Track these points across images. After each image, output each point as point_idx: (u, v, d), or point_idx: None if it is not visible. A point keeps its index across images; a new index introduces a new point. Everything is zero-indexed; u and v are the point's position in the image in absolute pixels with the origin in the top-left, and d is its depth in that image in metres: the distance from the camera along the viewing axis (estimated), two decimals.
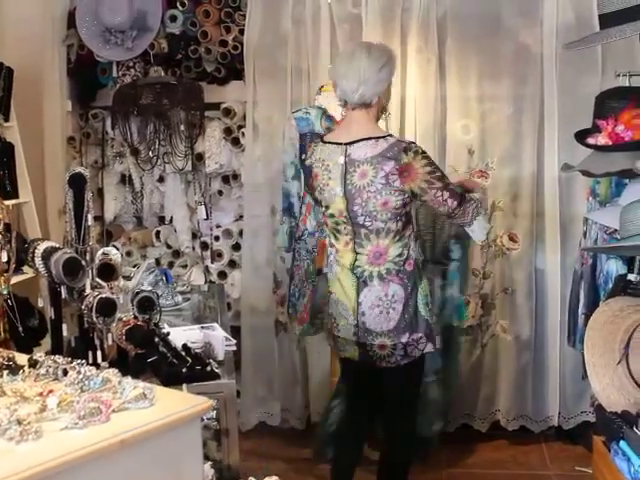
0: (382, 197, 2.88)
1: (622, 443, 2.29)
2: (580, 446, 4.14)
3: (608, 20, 2.75)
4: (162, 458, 1.57)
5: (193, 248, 4.64)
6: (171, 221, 4.68)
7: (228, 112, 4.45)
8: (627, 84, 3.44)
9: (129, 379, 1.70)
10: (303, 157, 3.31)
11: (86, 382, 1.69)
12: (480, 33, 4.16)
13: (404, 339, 2.98)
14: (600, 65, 4.06)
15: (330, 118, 3.74)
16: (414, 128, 4.21)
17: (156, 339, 2.42)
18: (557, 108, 4.09)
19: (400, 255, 2.96)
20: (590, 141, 2.89)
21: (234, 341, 2.76)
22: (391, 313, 2.97)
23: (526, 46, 4.17)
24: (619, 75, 3.57)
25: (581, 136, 3.02)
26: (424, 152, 2.92)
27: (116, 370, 1.75)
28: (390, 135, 2.98)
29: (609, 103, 2.84)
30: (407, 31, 4.21)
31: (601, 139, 2.83)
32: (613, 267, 3.33)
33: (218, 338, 2.59)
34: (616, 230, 3.00)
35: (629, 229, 2.64)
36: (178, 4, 4.42)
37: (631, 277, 2.92)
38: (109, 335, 2.35)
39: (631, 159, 2.71)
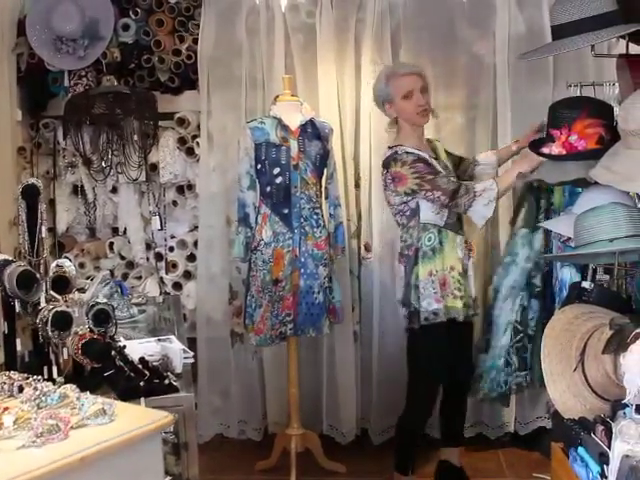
0: (386, 197, 3.57)
1: (580, 449, 2.31)
2: (536, 452, 4.17)
3: (561, 31, 2.78)
4: (123, 475, 1.54)
5: (147, 259, 4.59)
6: (125, 232, 4.62)
7: (182, 122, 4.41)
8: (578, 94, 3.51)
9: (88, 395, 1.67)
10: None
11: (43, 398, 1.65)
12: (433, 44, 4.21)
13: (403, 312, 3.54)
14: (552, 75, 4.15)
15: (285, 128, 3.74)
16: (369, 138, 4.24)
17: (113, 352, 2.38)
18: (510, 117, 4.15)
19: (404, 241, 3.50)
20: (544, 150, 2.92)
21: (192, 353, 2.73)
22: (397, 288, 3.58)
23: (479, 57, 4.23)
24: (570, 85, 3.65)
25: (536, 145, 3.05)
26: (411, 161, 3.39)
27: (74, 386, 1.71)
28: (398, 145, 3.48)
29: (562, 113, 2.87)
30: (361, 42, 4.24)
31: (555, 148, 2.85)
32: (567, 275, 3.38)
33: (175, 350, 2.55)
34: (570, 238, 3.04)
35: (584, 237, 2.67)
36: (131, 13, 4.39)
37: (585, 284, 2.95)
38: (64, 349, 2.30)
39: (585, 168, 2.74)
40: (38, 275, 2.32)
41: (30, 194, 2.48)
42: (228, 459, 4.28)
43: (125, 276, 4.59)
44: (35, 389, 1.69)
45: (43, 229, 2.39)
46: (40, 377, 1.76)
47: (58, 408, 1.62)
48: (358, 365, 4.38)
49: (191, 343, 4.35)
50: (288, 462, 3.92)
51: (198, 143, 4.39)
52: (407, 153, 3.43)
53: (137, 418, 1.63)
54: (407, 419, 3.69)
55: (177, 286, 4.55)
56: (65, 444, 1.50)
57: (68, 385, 1.72)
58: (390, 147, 3.56)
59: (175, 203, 4.56)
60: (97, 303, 2.63)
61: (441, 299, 3.43)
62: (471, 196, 3.38)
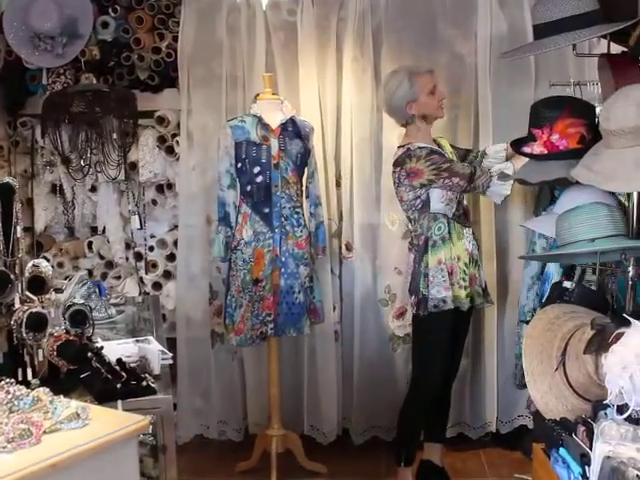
0: (398, 194, 3.60)
1: (562, 450, 2.29)
2: (518, 452, 4.17)
3: (542, 31, 2.77)
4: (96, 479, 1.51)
5: (127, 259, 4.56)
6: (104, 231, 4.59)
7: (162, 120, 4.38)
8: (560, 94, 3.50)
9: (61, 398, 1.63)
10: None
11: (15, 402, 1.61)
12: (415, 43, 4.18)
13: (411, 299, 3.58)
14: (533, 75, 4.14)
15: (266, 126, 3.72)
16: (350, 137, 4.22)
17: (89, 354, 2.34)
18: (491, 117, 4.13)
19: (415, 231, 3.57)
20: (526, 150, 2.91)
21: (170, 354, 2.69)
22: (408, 274, 3.61)
23: (460, 56, 4.21)
24: (553, 85, 3.65)
25: (517, 145, 3.05)
26: (425, 154, 3.44)
27: (47, 389, 1.67)
28: (409, 143, 3.53)
29: (544, 112, 2.86)
30: (342, 40, 4.22)
31: (537, 148, 2.85)
32: (553, 269, 3.39)
33: (154, 352, 2.52)
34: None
35: (565, 237, 2.67)
36: (110, 10, 4.36)
37: (567, 284, 2.94)
38: (40, 351, 2.26)
39: (566, 168, 2.73)
40: (12, 276, 2.28)
41: (5, 193, 2.43)
42: (208, 460, 4.26)
43: (104, 276, 4.55)
44: (7, 392, 1.65)
45: (18, 229, 2.35)
46: (13, 380, 1.71)
47: (31, 412, 1.59)
48: (339, 365, 4.35)
49: (171, 343, 4.34)
50: (269, 463, 3.89)
51: (178, 142, 4.36)
52: (420, 148, 3.48)
53: (112, 422, 1.59)
54: (411, 408, 3.71)
55: (157, 286, 4.51)
56: (37, 449, 1.46)
57: (41, 388, 1.68)
58: (400, 146, 3.59)
59: (155, 202, 4.52)
60: (74, 304, 2.60)
61: (449, 287, 3.48)
62: (488, 176, 3.45)
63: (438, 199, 3.51)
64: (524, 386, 3.61)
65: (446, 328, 3.55)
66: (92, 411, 1.60)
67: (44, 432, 1.51)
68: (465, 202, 3.70)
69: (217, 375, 4.41)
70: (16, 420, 1.50)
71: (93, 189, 4.55)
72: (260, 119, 3.72)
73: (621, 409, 2.18)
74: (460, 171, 3.46)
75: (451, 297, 3.48)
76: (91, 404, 1.69)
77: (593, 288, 3.04)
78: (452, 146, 3.77)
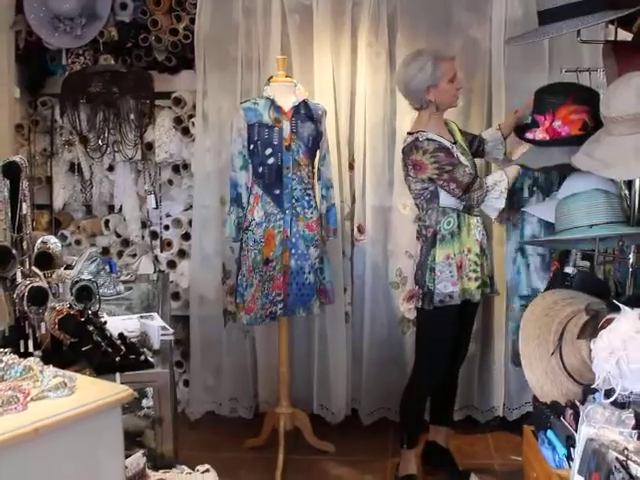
0: (407, 183, 3.58)
1: (549, 432, 2.34)
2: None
3: (547, 17, 2.79)
4: (79, 447, 1.57)
5: (142, 237, 4.63)
6: (120, 210, 4.66)
7: (178, 101, 4.44)
8: (575, 80, 3.49)
9: (51, 368, 1.69)
10: None
11: (7, 371, 1.68)
12: (430, 28, 4.19)
13: (416, 289, 3.57)
14: (547, 60, 4.13)
15: (278, 109, 3.75)
16: (364, 121, 4.24)
17: (91, 328, 2.42)
18: (504, 102, 4.14)
19: (423, 222, 3.56)
20: (529, 136, 2.93)
21: (171, 330, 2.76)
22: (415, 263, 3.60)
23: (475, 41, 4.22)
24: (566, 71, 3.64)
25: (521, 131, 3.06)
26: (433, 149, 3.40)
27: (38, 359, 1.74)
28: (420, 132, 3.47)
29: (547, 99, 2.88)
30: (357, 25, 4.24)
31: (539, 134, 2.87)
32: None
33: (154, 327, 2.58)
34: None
35: (563, 223, 2.69)
36: None
37: (568, 270, 2.97)
38: (42, 324, 2.33)
39: (568, 154, 2.75)
40: (15, 251, 2.35)
41: (13, 171, 2.50)
42: (219, 436, 4.32)
43: (120, 254, 4.62)
44: (0, 361, 1.72)
45: (24, 206, 2.41)
46: (7, 350, 1.78)
47: (22, 380, 1.65)
48: (349, 346, 4.41)
49: (184, 321, 4.43)
50: (277, 440, 3.95)
51: (193, 123, 4.41)
52: (428, 140, 3.44)
53: (97, 391, 1.65)
54: (411, 395, 3.74)
55: (171, 264, 4.59)
56: (22, 415, 1.53)
57: (32, 358, 1.75)
58: (410, 133, 3.56)
59: (170, 182, 4.59)
60: (80, 280, 2.67)
61: (457, 282, 3.47)
62: (484, 191, 3.41)
63: (448, 194, 3.48)
64: (517, 363, 3.68)
65: (449, 323, 3.54)
66: (79, 381, 1.66)
67: (31, 399, 1.58)
68: None
69: (229, 353, 4.49)
70: (4, 387, 1.56)
71: (110, 168, 4.62)
72: (273, 101, 3.75)
73: (608, 393, 2.21)
74: (459, 179, 3.40)
75: (459, 292, 3.47)
76: (81, 375, 1.75)
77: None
78: (461, 131, 3.75)
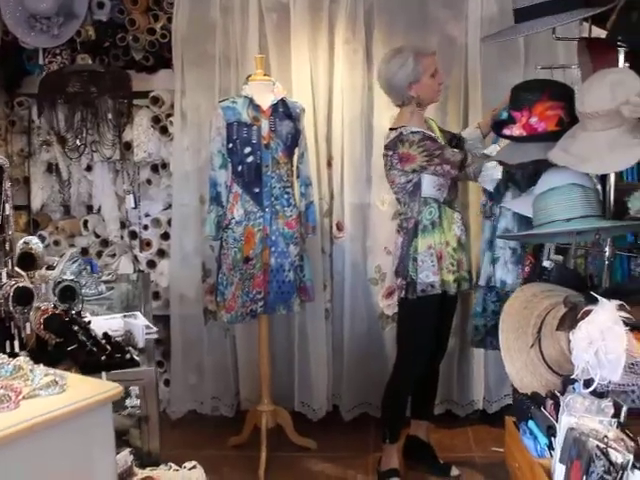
0: (390, 178, 3.59)
1: (530, 423, 2.38)
2: (504, 429, 4.25)
3: (523, 14, 2.83)
4: (72, 443, 1.59)
5: (122, 237, 4.63)
6: (99, 210, 4.66)
7: (156, 100, 4.44)
8: (549, 77, 3.54)
9: (41, 366, 1.71)
10: None
11: None
12: (406, 25, 4.22)
13: (397, 282, 3.60)
14: (522, 57, 4.18)
15: (257, 107, 3.77)
16: (341, 118, 4.27)
17: (76, 328, 2.42)
18: (481, 98, 4.19)
19: (405, 214, 3.60)
20: (506, 132, 2.96)
21: (155, 329, 2.77)
22: (394, 259, 3.66)
23: (451, 38, 4.26)
24: (541, 68, 3.69)
25: (499, 127, 3.10)
26: (418, 140, 3.43)
27: (27, 358, 1.75)
28: (402, 126, 3.51)
29: (524, 95, 2.91)
30: (335, 22, 4.26)
31: (516, 130, 2.90)
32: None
33: (139, 326, 2.59)
34: None
35: (541, 217, 2.73)
36: None
37: (545, 264, 3.01)
38: (27, 324, 2.34)
39: (544, 149, 2.79)
40: None
41: None
42: (201, 435, 4.33)
43: (99, 254, 4.62)
44: None
45: (7, 207, 2.41)
46: None
47: (12, 379, 1.66)
48: (329, 343, 4.44)
49: (165, 321, 4.43)
50: (259, 438, 3.97)
51: (172, 122, 4.41)
52: (412, 132, 3.48)
53: (88, 389, 1.67)
54: (394, 388, 3.77)
55: (151, 264, 4.59)
56: (15, 413, 1.54)
57: (22, 357, 1.76)
58: (392, 129, 3.59)
59: (149, 182, 4.59)
60: (63, 280, 2.68)
61: (438, 272, 3.52)
62: (480, 162, 3.44)
63: (430, 184, 3.52)
64: (477, 344, 3.74)
65: (431, 313, 3.58)
66: (69, 379, 1.68)
67: (23, 398, 1.59)
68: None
69: (210, 352, 4.50)
70: None
71: (89, 168, 4.61)
72: (251, 100, 3.77)
73: (587, 383, 2.25)
74: (451, 158, 3.44)
75: (439, 282, 3.52)
76: (69, 373, 1.77)
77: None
78: (440, 129, 3.79)
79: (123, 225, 4.63)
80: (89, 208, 4.72)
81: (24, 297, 2.30)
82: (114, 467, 1.73)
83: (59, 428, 1.55)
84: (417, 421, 3.95)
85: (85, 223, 4.63)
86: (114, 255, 4.59)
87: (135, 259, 4.58)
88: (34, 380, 1.64)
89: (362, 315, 4.41)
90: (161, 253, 4.60)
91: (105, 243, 4.66)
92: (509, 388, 4.32)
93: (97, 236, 4.66)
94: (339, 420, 4.47)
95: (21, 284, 2.31)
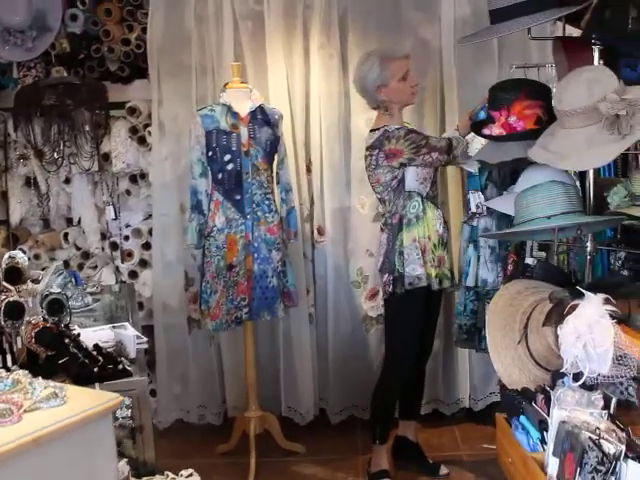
0: (375, 177, 3.60)
1: (522, 418, 2.41)
2: (491, 427, 4.27)
3: (498, 15, 2.87)
4: (76, 454, 1.59)
5: (103, 249, 4.61)
6: (79, 222, 4.63)
7: (133, 111, 4.43)
8: (523, 76, 3.59)
9: (40, 379, 1.71)
10: None
11: None
12: (381, 28, 4.25)
13: (384, 278, 3.59)
14: (496, 57, 4.23)
15: (235, 115, 3.78)
16: (319, 123, 4.29)
17: (67, 340, 2.42)
18: (457, 99, 4.23)
19: (389, 211, 3.62)
20: (485, 132, 3.01)
21: (145, 339, 2.77)
22: (380, 254, 3.66)
23: (426, 41, 4.29)
24: (516, 67, 3.74)
25: (478, 127, 3.14)
26: (404, 134, 3.48)
27: (26, 371, 1.75)
28: (384, 125, 3.55)
29: (502, 95, 2.96)
30: (309, 28, 4.28)
31: (495, 129, 2.95)
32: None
33: (129, 337, 2.59)
34: None
35: (523, 215, 2.77)
36: (78, 3, 4.39)
37: (529, 261, 3.05)
38: (18, 338, 2.33)
39: (524, 148, 2.83)
40: None
41: None
42: (189, 444, 4.33)
43: (81, 266, 4.60)
44: None
45: None
46: None
47: (11, 393, 1.67)
48: (314, 347, 4.45)
49: (149, 330, 4.41)
50: (248, 444, 3.98)
51: (150, 132, 4.41)
52: (397, 129, 3.52)
53: (88, 400, 1.68)
54: (384, 388, 3.78)
55: (133, 274, 4.58)
56: (18, 426, 1.54)
57: (20, 371, 1.76)
58: (374, 130, 3.62)
59: (129, 192, 4.58)
60: (51, 293, 2.67)
61: (423, 265, 3.55)
62: (465, 145, 3.51)
63: (413, 177, 3.55)
64: (461, 344, 3.78)
65: (418, 307, 3.61)
66: (69, 390, 1.68)
67: (24, 411, 1.59)
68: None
69: (195, 361, 4.50)
70: None
71: (67, 181, 4.59)
72: (229, 108, 3.79)
73: (576, 377, 2.29)
74: (438, 145, 3.50)
75: (425, 275, 3.55)
76: (67, 384, 1.77)
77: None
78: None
79: (104, 236, 4.61)
80: (69, 221, 4.70)
81: (15, 311, 2.30)
82: (116, 476, 1.74)
83: (63, 440, 1.56)
84: (405, 421, 3.97)
85: (65, 236, 4.61)
86: (95, 267, 4.58)
87: (117, 270, 4.57)
88: (34, 393, 1.64)
89: (346, 318, 4.43)
90: (143, 263, 4.59)
91: (86, 255, 4.63)
92: (494, 386, 4.37)
93: (78, 248, 4.64)
94: (326, 423, 4.49)
95: (11, 299, 2.31)
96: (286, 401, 4.49)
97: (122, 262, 4.58)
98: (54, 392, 1.64)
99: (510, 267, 3.55)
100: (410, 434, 3.97)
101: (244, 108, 3.81)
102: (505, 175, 3.68)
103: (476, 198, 3.72)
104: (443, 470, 3.89)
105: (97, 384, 2.26)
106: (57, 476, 1.56)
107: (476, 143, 3.50)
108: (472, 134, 3.51)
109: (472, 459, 4.07)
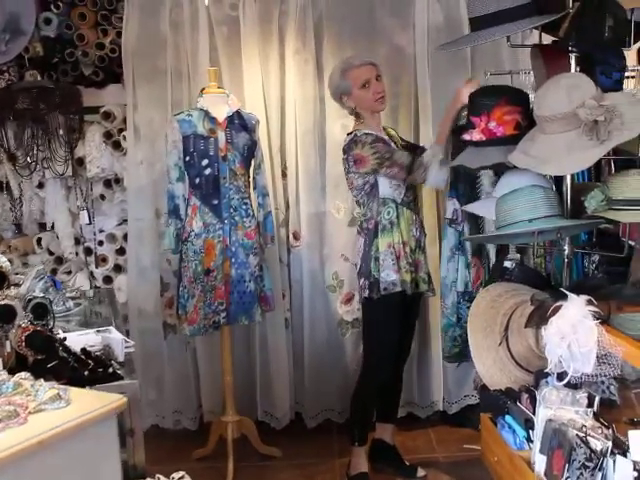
0: (349, 181, 3.67)
1: (507, 417, 2.45)
2: (465, 429, 4.35)
3: (479, 23, 2.92)
4: (81, 455, 1.60)
5: (77, 254, 4.59)
6: (52, 227, 4.61)
7: (108, 115, 4.42)
8: (495, 82, 3.66)
9: (42, 382, 1.71)
10: None
11: None
12: (355, 34, 4.30)
13: (360, 282, 3.65)
14: (469, 64, 4.29)
15: (213, 120, 3.79)
16: (294, 128, 4.31)
17: (56, 344, 2.41)
18: (431, 105, 4.28)
19: (365, 215, 3.66)
20: (466, 137, 3.05)
21: (132, 342, 2.78)
22: (357, 258, 3.70)
23: (400, 47, 4.34)
24: (490, 74, 3.81)
25: (458, 132, 3.18)
26: (371, 141, 3.53)
27: (28, 374, 1.75)
28: (356, 130, 3.62)
29: (482, 101, 3.00)
30: (285, 33, 4.31)
31: (476, 135, 2.99)
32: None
33: (117, 340, 2.60)
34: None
35: (504, 219, 2.81)
36: (52, 7, 4.37)
37: (507, 264, 3.10)
38: (7, 342, 2.32)
39: (504, 153, 2.88)
40: None
41: None
42: (165, 449, 4.29)
43: (54, 271, 4.56)
44: None
45: None
46: None
47: (13, 396, 1.66)
48: (290, 351, 4.47)
49: (124, 336, 4.39)
50: (225, 449, 3.98)
51: (124, 137, 4.40)
52: (366, 134, 3.57)
53: (92, 402, 1.68)
54: (363, 390, 3.81)
55: (107, 280, 4.56)
56: (24, 428, 1.54)
57: (22, 373, 1.75)
58: (349, 133, 3.68)
59: (103, 197, 4.56)
60: (34, 297, 2.66)
61: (397, 270, 3.58)
62: (424, 167, 3.52)
63: (386, 184, 3.59)
64: (454, 358, 3.80)
65: (395, 311, 3.64)
66: (72, 392, 1.68)
67: (29, 413, 1.59)
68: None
69: (170, 366, 4.48)
70: (2, 402, 1.57)
71: (40, 185, 4.57)
72: (207, 113, 3.79)
73: (561, 376, 2.34)
74: (399, 161, 3.53)
75: (399, 280, 3.58)
76: (69, 387, 1.77)
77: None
78: (402, 139, 3.86)
79: (77, 241, 4.59)
80: (42, 225, 4.67)
81: (7, 315, 2.29)
82: (120, 476, 1.74)
83: (68, 441, 1.56)
84: (383, 424, 4.00)
85: (39, 241, 4.58)
86: (70, 272, 4.55)
87: (91, 275, 4.55)
88: (38, 395, 1.64)
89: (322, 322, 4.45)
90: (117, 268, 4.58)
91: (60, 260, 4.61)
92: (469, 389, 4.44)
93: (51, 253, 4.61)
94: (302, 427, 4.51)
95: (1, 302, 2.29)
96: (262, 405, 4.50)
97: (96, 267, 4.56)
98: (58, 394, 1.64)
99: (474, 272, 3.62)
100: (387, 437, 4.00)
101: (221, 113, 3.82)
102: (471, 182, 3.73)
103: (451, 205, 3.76)
104: (420, 472, 3.93)
105: (88, 388, 2.26)
106: (61, 477, 1.56)
107: (434, 165, 3.51)
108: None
109: (448, 461, 4.11)
